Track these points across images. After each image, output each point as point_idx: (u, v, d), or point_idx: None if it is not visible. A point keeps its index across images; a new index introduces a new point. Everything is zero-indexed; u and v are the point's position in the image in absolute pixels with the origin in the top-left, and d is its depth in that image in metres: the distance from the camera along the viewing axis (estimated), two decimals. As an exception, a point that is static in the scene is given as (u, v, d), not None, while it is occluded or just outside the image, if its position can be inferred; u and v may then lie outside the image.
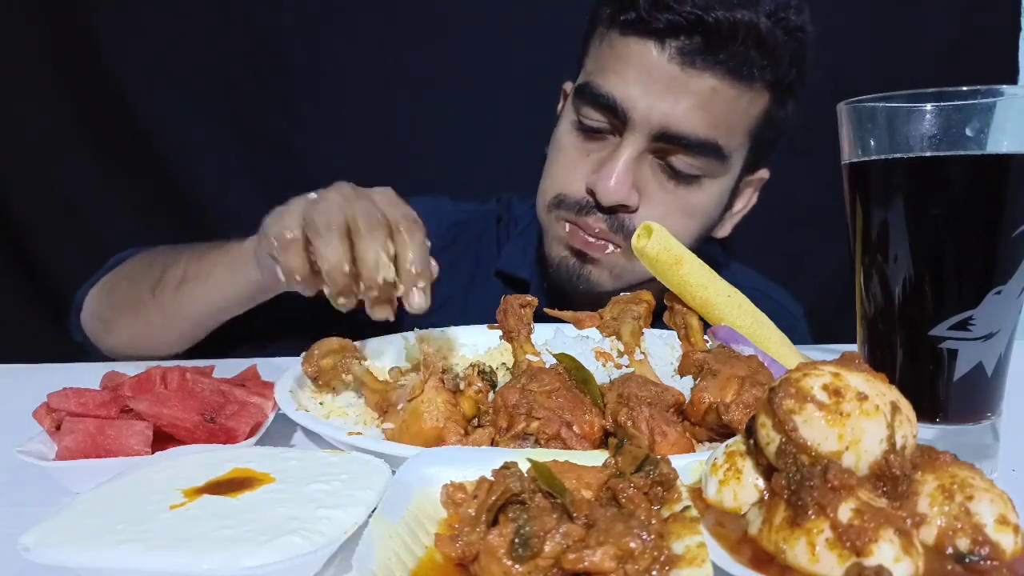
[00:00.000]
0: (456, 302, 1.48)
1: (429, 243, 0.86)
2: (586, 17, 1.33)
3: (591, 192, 1.25)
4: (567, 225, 1.30)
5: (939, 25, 2.10)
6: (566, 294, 1.33)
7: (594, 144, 1.27)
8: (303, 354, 0.91)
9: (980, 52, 2.10)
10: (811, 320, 1.68)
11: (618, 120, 1.21)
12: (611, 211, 1.24)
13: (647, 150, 1.22)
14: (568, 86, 1.40)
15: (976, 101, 0.63)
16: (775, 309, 1.59)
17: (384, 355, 1.06)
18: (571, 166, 1.29)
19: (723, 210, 1.36)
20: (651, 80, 1.17)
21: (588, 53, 1.30)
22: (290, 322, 1.22)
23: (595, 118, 1.24)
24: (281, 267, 0.84)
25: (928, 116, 0.64)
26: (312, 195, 0.87)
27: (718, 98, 1.17)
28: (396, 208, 0.86)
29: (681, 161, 1.22)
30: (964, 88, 0.63)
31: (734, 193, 1.35)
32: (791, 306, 1.64)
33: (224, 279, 1.14)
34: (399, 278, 0.82)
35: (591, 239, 1.28)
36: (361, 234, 0.80)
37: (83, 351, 1.37)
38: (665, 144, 1.20)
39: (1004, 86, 0.63)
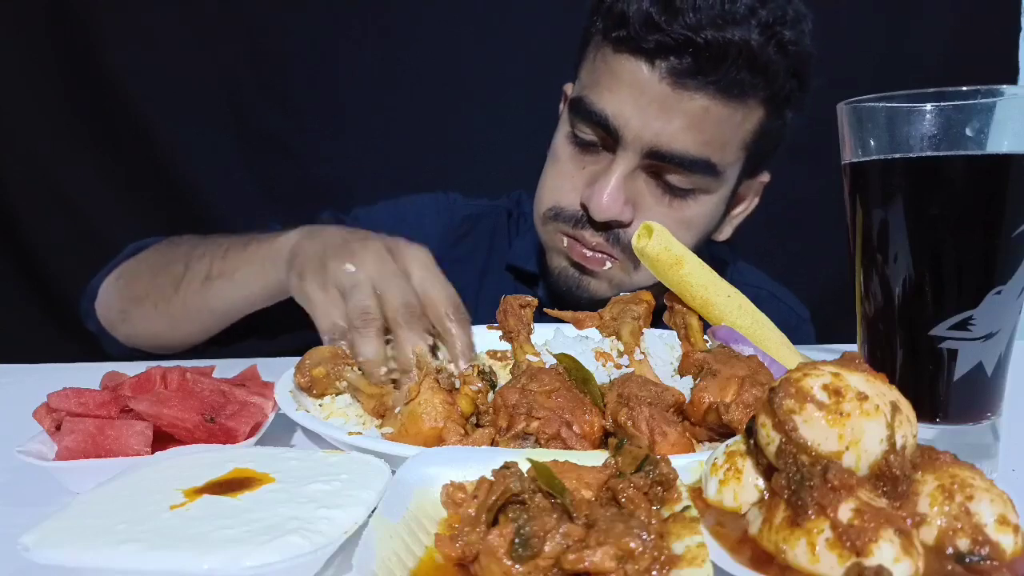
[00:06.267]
0: (468, 294, 1.49)
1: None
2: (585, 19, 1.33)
3: (584, 207, 1.25)
4: (564, 239, 1.31)
5: (939, 25, 2.10)
6: (566, 302, 1.33)
7: (588, 157, 1.27)
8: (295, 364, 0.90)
9: (980, 52, 2.10)
10: (811, 320, 1.69)
11: (611, 137, 1.21)
12: (605, 227, 1.25)
13: (639, 167, 1.22)
14: (569, 87, 1.40)
15: (976, 101, 0.63)
16: (783, 311, 1.60)
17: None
18: (566, 178, 1.29)
19: (721, 216, 1.35)
20: (643, 99, 1.16)
21: (584, 62, 1.30)
22: (297, 313, 1.23)
23: (589, 132, 1.24)
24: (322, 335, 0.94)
25: (928, 116, 0.64)
26: (348, 255, 0.94)
27: (710, 117, 1.16)
28: (439, 287, 0.94)
29: (674, 178, 1.22)
30: (964, 88, 0.63)
31: (733, 198, 1.35)
32: (798, 308, 1.64)
33: (250, 278, 1.16)
34: (447, 363, 0.90)
35: (589, 253, 1.28)
36: (401, 327, 0.88)
37: (86, 348, 1.37)
38: (657, 162, 1.20)
39: (1004, 86, 0.63)
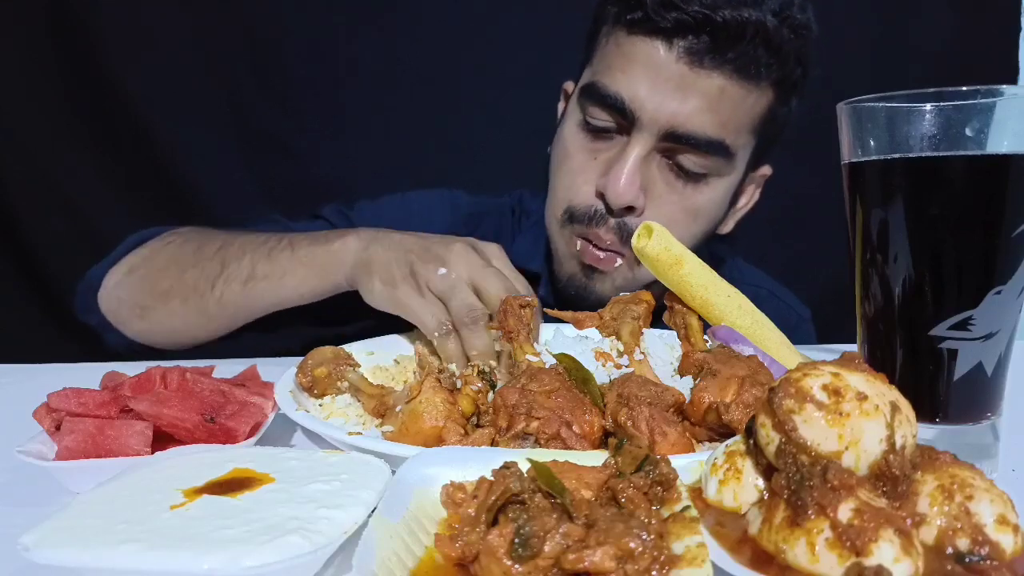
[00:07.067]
0: None
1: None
2: (590, 14, 1.32)
3: (600, 195, 1.25)
4: (579, 242, 1.30)
5: (939, 25, 2.10)
6: (573, 306, 1.33)
7: (601, 144, 1.26)
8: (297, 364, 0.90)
9: (980, 52, 2.10)
10: (812, 320, 1.69)
11: (625, 120, 1.20)
12: (620, 214, 1.24)
13: (655, 149, 1.21)
14: (569, 85, 1.40)
15: (976, 101, 0.63)
16: (783, 310, 1.60)
17: (377, 353, 1.06)
18: (579, 169, 1.28)
19: (727, 208, 1.36)
20: (659, 80, 1.16)
21: (593, 52, 1.29)
22: (301, 311, 1.22)
23: (602, 118, 1.24)
24: (437, 345, 0.98)
25: (928, 116, 0.64)
26: (436, 259, 1.00)
27: (725, 97, 1.17)
28: (517, 279, 1.03)
29: (689, 160, 1.22)
30: (964, 88, 0.63)
31: (738, 190, 1.35)
32: (799, 308, 1.64)
33: (302, 283, 1.15)
34: None
35: (602, 254, 1.28)
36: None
37: (86, 348, 1.35)
38: (673, 143, 1.20)
39: (1004, 86, 0.63)
